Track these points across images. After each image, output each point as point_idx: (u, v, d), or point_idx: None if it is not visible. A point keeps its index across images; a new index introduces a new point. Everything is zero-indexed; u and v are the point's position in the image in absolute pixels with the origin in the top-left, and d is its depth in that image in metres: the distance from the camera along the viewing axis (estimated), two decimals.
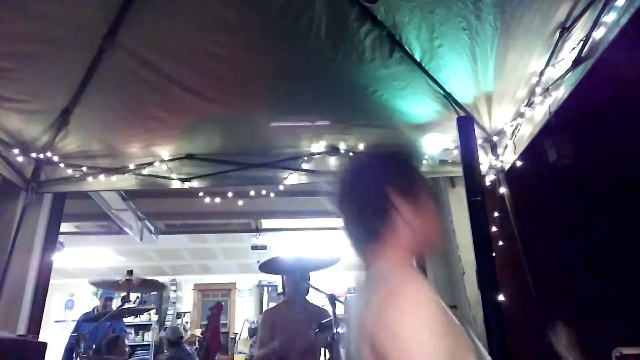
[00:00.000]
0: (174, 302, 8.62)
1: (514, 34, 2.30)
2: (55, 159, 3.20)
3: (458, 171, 3.21)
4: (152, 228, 5.86)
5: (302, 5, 2.26)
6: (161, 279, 4.21)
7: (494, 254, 2.33)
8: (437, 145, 3.01)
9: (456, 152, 3.06)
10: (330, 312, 2.50)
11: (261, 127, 3.14)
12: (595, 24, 2.01)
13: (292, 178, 3.36)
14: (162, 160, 3.29)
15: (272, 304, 3.16)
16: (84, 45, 2.46)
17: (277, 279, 8.47)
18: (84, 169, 3.27)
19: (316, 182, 3.41)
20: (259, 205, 4.64)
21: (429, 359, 0.75)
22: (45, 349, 2.65)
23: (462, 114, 2.83)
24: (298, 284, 3.12)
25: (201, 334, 3.08)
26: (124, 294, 3.34)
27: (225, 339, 7.97)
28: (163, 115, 2.93)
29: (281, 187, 3.42)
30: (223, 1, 2.27)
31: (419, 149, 2.76)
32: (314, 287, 2.73)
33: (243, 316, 8.38)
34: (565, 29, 2.22)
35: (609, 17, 1.95)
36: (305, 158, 3.33)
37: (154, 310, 8.23)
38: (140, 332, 8.26)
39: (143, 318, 8.19)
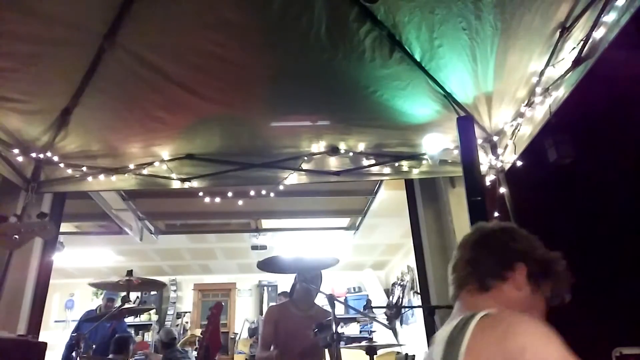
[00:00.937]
0: (174, 302, 8.61)
1: (514, 34, 2.30)
2: (55, 159, 3.20)
3: (458, 171, 3.21)
4: (152, 228, 5.86)
5: (302, 5, 2.26)
6: (161, 279, 4.20)
7: None
8: (437, 145, 3.01)
9: (456, 152, 3.06)
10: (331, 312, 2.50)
11: (261, 127, 3.14)
12: (595, 24, 2.01)
13: (292, 178, 3.36)
14: (162, 160, 3.29)
15: (272, 304, 3.15)
16: (84, 45, 2.46)
17: (277, 279, 8.48)
18: (84, 169, 3.27)
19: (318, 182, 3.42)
20: (259, 205, 4.64)
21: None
22: (45, 349, 2.65)
23: (462, 114, 2.83)
24: (309, 286, 3.12)
25: (201, 333, 3.08)
26: (124, 294, 3.35)
27: (225, 339, 7.97)
28: (163, 115, 2.94)
29: (281, 187, 3.42)
30: (223, 1, 2.27)
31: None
32: (321, 292, 2.73)
33: (243, 316, 8.38)
34: (565, 29, 2.22)
35: (609, 17, 1.95)
36: (305, 158, 3.33)
37: (154, 310, 8.22)
38: (140, 332, 8.25)
39: (143, 318, 8.18)
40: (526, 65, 2.50)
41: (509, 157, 2.95)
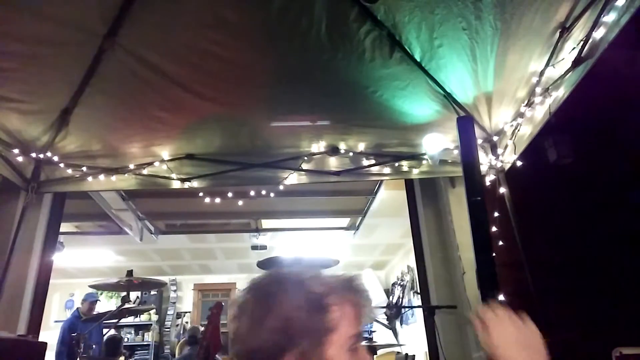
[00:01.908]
0: (174, 302, 8.62)
1: (514, 34, 2.30)
2: (55, 159, 3.19)
3: (458, 171, 3.21)
4: (152, 228, 5.87)
5: (302, 5, 2.26)
6: (161, 279, 4.21)
7: (494, 254, 2.33)
8: (437, 145, 3.01)
9: (456, 152, 3.06)
10: None
11: (261, 127, 3.14)
12: (595, 24, 2.01)
13: (292, 178, 3.36)
14: (162, 160, 3.29)
15: None
16: (84, 46, 2.46)
17: None
18: (84, 169, 3.27)
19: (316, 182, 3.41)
20: (259, 205, 4.64)
21: None
22: (45, 349, 2.65)
23: (462, 114, 2.83)
24: None
25: (201, 333, 3.08)
26: (124, 294, 3.35)
27: (225, 339, 7.97)
28: (163, 115, 2.93)
29: (281, 187, 3.42)
30: (223, 1, 2.27)
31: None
32: None
33: None
34: (565, 29, 2.22)
35: (609, 17, 1.95)
36: (305, 158, 3.33)
37: (154, 310, 8.22)
38: (140, 332, 8.26)
39: (143, 318, 8.18)
40: (526, 65, 2.50)
41: (509, 157, 2.95)
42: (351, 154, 3.31)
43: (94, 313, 4.71)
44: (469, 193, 2.44)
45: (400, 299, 7.42)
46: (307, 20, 2.32)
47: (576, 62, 2.20)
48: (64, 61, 2.53)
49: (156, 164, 3.30)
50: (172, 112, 2.92)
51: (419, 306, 5.19)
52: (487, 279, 2.27)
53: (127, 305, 3.40)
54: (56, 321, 8.23)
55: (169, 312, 8.50)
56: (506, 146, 2.98)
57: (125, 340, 7.97)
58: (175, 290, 8.70)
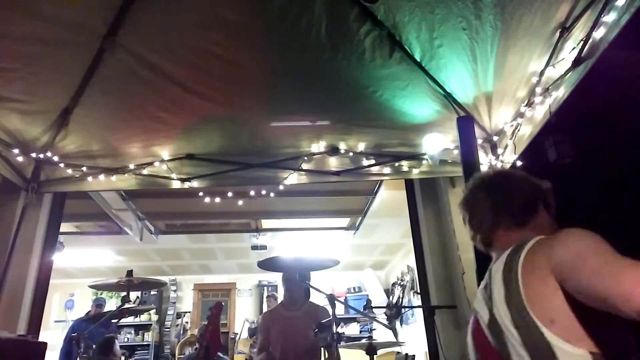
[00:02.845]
0: (174, 302, 8.61)
1: (514, 34, 2.30)
2: (55, 159, 3.20)
3: (458, 171, 3.21)
4: (152, 228, 5.86)
5: (302, 5, 2.26)
6: (161, 279, 4.20)
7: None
8: (437, 145, 3.01)
9: (456, 152, 3.06)
10: (330, 311, 2.49)
11: (261, 127, 3.14)
12: (595, 24, 2.01)
13: (292, 178, 3.36)
14: (162, 160, 3.29)
15: (265, 311, 3.15)
16: (84, 45, 2.46)
17: (277, 279, 8.47)
18: (84, 169, 3.27)
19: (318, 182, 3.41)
20: (259, 205, 4.64)
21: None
22: (45, 349, 2.65)
23: (462, 114, 2.83)
24: (296, 284, 3.10)
25: (197, 331, 3.08)
26: (124, 294, 3.34)
27: (225, 339, 7.97)
28: (163, 115, 2.94)
29: (281, 187, 3.42)
30: (223, 1, 2.27)
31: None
32: (313, 287, 2.72)
33: (243, 316, 8.37)
34: (565, 29, 2.22)
35: (609, 17, 1.95)
36: (305, 158, 3.33)
37: (154, 310, 8.21)
38: (140, 332, 8.25)
39: (143, 318, 8.17)
40: (526, 65, 2.50)
41: (509, 157, 2.95)
42: (351, 154, 3.31)
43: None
44: None
45: (400, 299, 7.42)
46: (307, 20, 2.32)
47: (576, 62, 2.20)
48: (64, 61, 2.53)
49: (156, 164, 3.30)
50: (172, 112, 2.92)
51: (419, 306, 5.19)
52: None
53: (127, 305, 3.39)
54: (56, 321, 8.24)
55: (169, 312, 8.49)
56: (506, 146, 2.98)
57: (125, 340, 7.97)
58: (175, 290, 8.69)
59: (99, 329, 4.41)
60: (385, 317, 7.71)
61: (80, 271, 7.94)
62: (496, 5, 2.16)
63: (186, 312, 8.65)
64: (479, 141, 3.01)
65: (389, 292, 8.20)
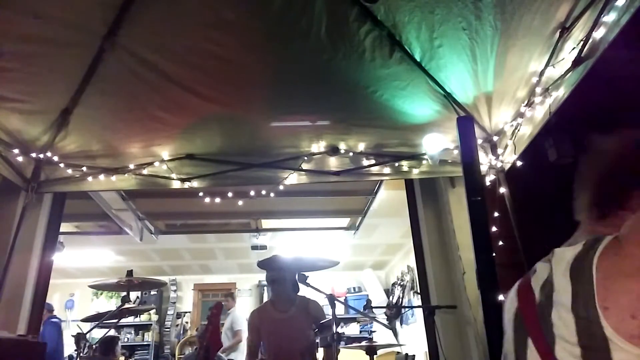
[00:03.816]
0: (174, 302, 8.61)
1: (514, 34, 2.30)
2: (55, 159, 3.20)
3: (458, 171, 3.21)
4: (152, 228, 5.86)
5: (302, 5, 2.26)
6: (161, 279, 4.20)
7: (494, 254, 2.33)
8: (437, 145, 3.01)
9: (456, 152, 3.06)
10: (327, 310, 2.48)
11: (261, 127, 3.14)
12: (595, 24, 2.01)
13: (292, 178, 3.36)
14: (162, 160, 3.29)
15: (253, 309, 3.08)
16: (84, 45, 2.46)
17: None
18: (84, 169, 3.27)
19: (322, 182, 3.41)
20: (259, 205, 4.64)
21: None
22: (45, 349, 2.65)
23: (462, 114, 2.83)
24: (282, 284, 3.04)
25: (196, 330, 3.08)
26: (124, 294, 3.34)
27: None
28: (163, 115, 2.94)
29: (281, 187, 3.42)
30: (223, 1, 2.27)
31: None
32: (305, 284, 2.66)
33: (243, 316, 8.38)
34: (565, 29, 2.22)
35: (609, 17, 1.95)
36: (305, 158, 3.33)
37: (154, 310, 8.22)
38: (140, 332, 8.25)
39: (143, 318, 8.18)
40: (526, 65, 2.50)
41: (509, 157, 2.95)
42: (351, 154, 3.31)
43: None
44: (469, 193, 2.45)
45: (400, 299, 7.42)
46: (307, 20, 2.32)
47: (576, 62, 2.20)
48: (64, 61, 2.53)
49: (156, 164, 3.30)
50: (172, 112, 2.92)
51: (419, 306, 5.19)
52: (487, 279, 2.27)
53: (127, 305, 3.39)
54: None
55: (169, 312, 8.50)
56: (506, 146, 2.98)
57: (125, 340, 7.97)
58: (175, 290, 8.70)
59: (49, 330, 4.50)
60: (385, 317, 7.71)
61: (80, 271, 7.94)
62: (496, 5, 2.16)
63: (186, 312, 8.65)
64: (479, 141, 3.01)
65: (389, 292, 8.20)
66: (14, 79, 2.57)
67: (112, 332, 4.90)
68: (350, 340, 6.84)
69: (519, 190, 3.00)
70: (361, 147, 3.27)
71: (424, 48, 2.49)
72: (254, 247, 6.58)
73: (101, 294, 8.46)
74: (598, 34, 2.02)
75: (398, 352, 5.49)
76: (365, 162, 3.32)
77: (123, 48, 2.46)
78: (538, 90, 2.51)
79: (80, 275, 8.09)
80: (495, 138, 3.06)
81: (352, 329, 8.13)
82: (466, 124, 2.61)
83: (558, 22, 2.21)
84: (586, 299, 0.85)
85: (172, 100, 2.81)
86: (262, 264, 3.10)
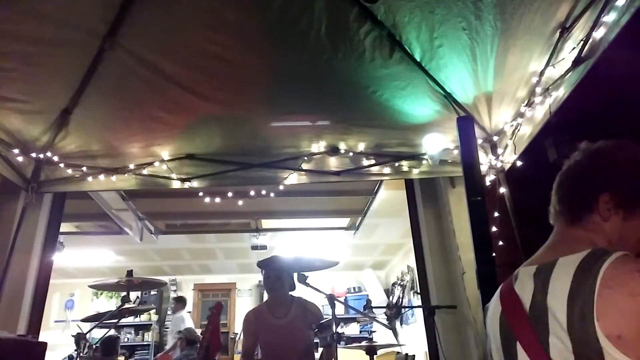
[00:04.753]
0: None
1: (514, 34, 2.30)
2: (55, 159, 3.20)
3: (458, 171, 3.21)
4: (152, 228, 5.86)
5: (302, 5, 2.26)
6: (161, 279, 4.20)
7: (494, 254, 2.33)
8: (437, 145, 3.01)
9: (456, 152, 3.06)
10: (324, 310, 2.47)
11: (261, 127, 3.14)
12: (595, 24, 2.01)
13: (292, 178, 3.36)
14: (162, 160, 3.29)
15: (248, 310, 2.98)
16: (84, 45, 2.46)
17: None
18: (84, 169, 3.27)
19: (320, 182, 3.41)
20: (259, 205, 4.64)
21: None
22: (45, 349, 2.65)
23: (462, 114, 2.83)
24: (280, 284, 2.95)
25: (201, 333, 3.07)
26: (124, 294, 3.34)
27: (225, 339, 7.97)
28: (163, 115, 2.94)
29: (281, 187, 3.42)
30: (223, 1, 2.27)
31: None
32: (305, 284, 2.63)
33: (243, 316, 8.38)
34: (565, 29, 2.22)
35: (609, 17, 1.94)
36: (305, 158, 3.33)
37: (154, 310, 8.22)
38: (140, 332, 8.26)
39: (143, 318, 8.18)
40: (526, 65, 2.50)
41: (509, 157, 2.95)
42: (351, 154, 3.31)
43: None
44: (469, 193, 2.45)
45: (400, 299, 7.42)
46: (307, 20, 2.32)
47: (576, 62, 2.20)
48: (64, 61, 2.53)
49: (156, 164, 3.30)
50: (172, 112, 2.92)
51: (419, 306, 5.19)
52: (487, 279, 2.27)
53: (127, 305, 3.39)
54: (56, 321, 8.24)
55: (169, 312, 8.50)
56: (506, 146, 2.98)
57: (125, 340, 7.97)
58: (175, 290, 8.70)
59: None
60: (385, 317, 7.72)
61: (80, 271, 7.94)
62: (496, 5, 2.16)
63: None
64: (479, 141, 3.00)
65: (389, 292, 8.20)
66: (14, 79, 2.57)
67: (113, 332, 4.90)
68: (350, 340, 6.84)
69: (519, 190, 3.00)
70: (361, 147, 3.27)
71: (424, 48, 2.49)
72: (254, 247, 6.58)
73: (101, 294, 8.46)
74: (598, 34, 2.02)
75: (398, 352, 5.49)
76: (365, 162, 3.32)
77: (123, 48, 2.46)
78: (538, 90, 2.51)
79: (80, 275, 8.09)
80: (495, 138, 3.06)
81: (352, 329, 8.13)
82: (466, 124, 2.62)
83: (558, 22, 2.21)
84: (584, 307, 0.85)
85: (172, 100, 2.81)
86: (262, 264, 3.09)
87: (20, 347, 2.55)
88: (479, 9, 2.19)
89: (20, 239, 3.20)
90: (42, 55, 2.45)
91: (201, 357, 2.66)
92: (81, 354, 2.95)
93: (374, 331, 7.62)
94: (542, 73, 2.45)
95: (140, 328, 8.26)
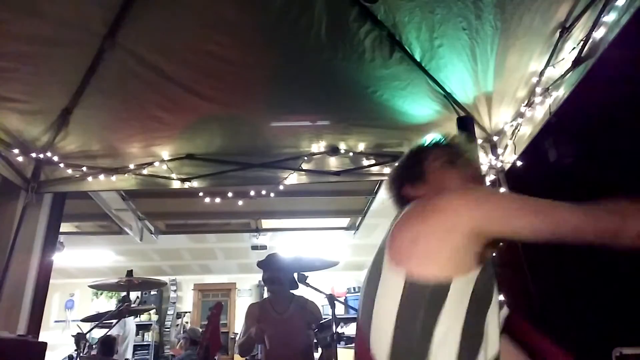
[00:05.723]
0: (174, 302, 8.61)
1: (514, 34, 2.30)
2: (55, 159, 3.20)
3: None
4: (152, 228, 5.86)
5: (302, 5, 2.26)
6: (161, 279, 4.21)
7: (494, 254, 2.32)
8: None
9: None
10: (324, 310, 2.48)
11: (261, 127, 3.14)
12: (595, 24, 2.02)
13: (292, 178, 3.36)
14: (162, 160, 3.29)
15: (252, 302, 3.03)
16: (84, 45, 2.46)
17: None
18: (84, 169, 3.27)
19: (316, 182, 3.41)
20: (259, 205, 4.63)
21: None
22: (45, 349, 2.65)
23: (462, 114, 2.83)
24: (280, 281, 3.02)
25: (201, 333, 3.08)
26: (124, 294, 3.35)
27: (225, 339, 7.97)
28: (163, 115, 2.94)
29: (281, 187, 3.42)
30: (223, 1, 2.27)
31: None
32: (305, 284, 2.66)
33: (243, 316, 8.38)
34: (565, 29, 2.22)
35: (609, 17, 1.95)
36: (305, 158, 3.33)
37: (154, 310, 8.22)
38: (140, 332, 8.25)
39: (143, 318, 8.18)
40: (526, 65, 2.50)
41: (509, 157, 2.95)
42: (351, 154, 3.31)
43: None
44: None
45: None
46: (307, 20, 2.32)
47: (576, 62, 2.20)
48: (64, 61, 2.53)
49: (156, 164, 3.30)
50: (172, 112, 2.92)
51: None
52: None
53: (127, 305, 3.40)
54: (56, 321, 8.24)
55: (169, 312, 8.50)
56: (506, 146, 2.98)
57: None
58: (175, 290, 8.70)
59: None
60: None
61: (80, 271, 7.94)
62: (496, 5, 2.16)
63: (186, 312, 8.65)
64: (479, 141, 3.01)
65: None
66: (14, 79, 2.57)
67: (114, 331, 4.90)
68: (350, 340, 6.83)
69: (519, 190, 2.99)
70: (361, 147, 3.27)
71: (424, 48, 2.49)
72: (254, 247, 6.58)
73: (101, 294, 8.46)
74: (598, 34, 2.02)
75: None
76: (365, 162, 3.32)
77: (123, 48, 2.46)
78: (538, 90, 2.51)
79: (80, 275, 8.09)
80: (495, 138, 3.06)
81: (352, 329, 8.12)
82: (466, 124, 2.62)
83: (558, 22, 2.21)
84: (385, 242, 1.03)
85: (172, 100, 2.81)
86: (261, 264, 3.10)
87: (20, 347, 2.55)
88: (479, 9, 2.19)
89: (20, 239, 3.19)
90: (42, 55, 2.45)
91: (201, 357, 2.66)
92: (81, 354, 2.95)
93: None
94: (542, 73, 2.46)
95: (140, 328, 8.26)
